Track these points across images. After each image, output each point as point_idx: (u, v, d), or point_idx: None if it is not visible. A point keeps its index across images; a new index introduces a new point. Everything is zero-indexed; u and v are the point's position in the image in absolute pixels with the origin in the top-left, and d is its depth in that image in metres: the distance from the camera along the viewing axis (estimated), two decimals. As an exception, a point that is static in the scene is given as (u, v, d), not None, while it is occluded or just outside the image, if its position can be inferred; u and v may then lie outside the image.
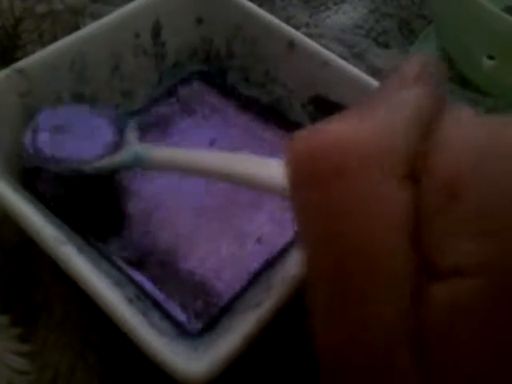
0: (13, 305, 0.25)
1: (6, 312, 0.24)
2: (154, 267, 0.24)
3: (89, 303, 0.24)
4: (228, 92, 0.31)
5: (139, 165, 0.24)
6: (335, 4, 0.36)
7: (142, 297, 0.23)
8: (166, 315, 0.23)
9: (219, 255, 0.25)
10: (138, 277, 0.24)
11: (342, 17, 0.35)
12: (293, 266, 0.21)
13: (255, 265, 0.25)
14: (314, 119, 0.28)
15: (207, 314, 0.23)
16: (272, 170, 0.20)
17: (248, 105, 0.30)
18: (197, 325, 0.23)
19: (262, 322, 0.19)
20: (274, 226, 0.26)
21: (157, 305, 0.23)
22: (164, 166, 0.24)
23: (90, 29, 0.27)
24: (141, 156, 0.24)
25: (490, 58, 0.30)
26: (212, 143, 0.29)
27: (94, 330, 0.24)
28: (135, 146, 0.24)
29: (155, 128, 0.29)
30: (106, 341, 0.24)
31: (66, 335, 0.24)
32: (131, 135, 0.25)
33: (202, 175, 0.24)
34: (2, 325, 0.23)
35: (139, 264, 0.24)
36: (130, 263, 0.24)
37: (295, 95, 0.28)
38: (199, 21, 0.30)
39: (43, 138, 0.24)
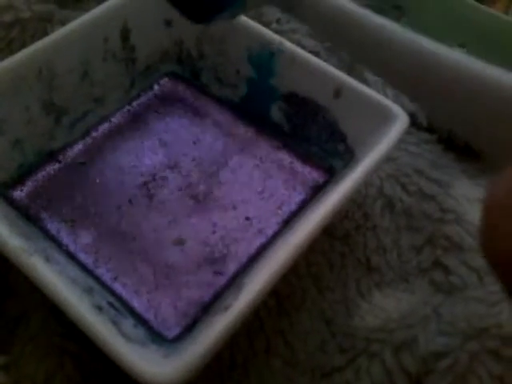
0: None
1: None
2: (128, 273, 0.24)
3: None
4: (202, 91, 0.30)
5: None
6: (310, -1, 0.36)
7: (116, 304, 0.22)
8: (142, 322, 0.23)
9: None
10: (113, 284, 0.24)
11: (315, 11, 0.34)
12: (265, 266, 0.21)
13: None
14: (287, 115, 0.28)
15: (185, 319, 0.23)
16: None
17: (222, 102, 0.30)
18: (174, 331, 0.23)
19: (229, 326, 0.19)
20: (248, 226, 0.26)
21: (132, 312, 0.23)
22: None
23: (56, 36, 0.26)
24: None
25: (461, 46, 0.29)
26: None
27: (72, 338, 0.24)
28: None
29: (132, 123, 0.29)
30: (83, 349, 0.24)
31: (43, 345, 0.24)
32: None
33: None
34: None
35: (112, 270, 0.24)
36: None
37: (267, 93, 0.28)
38: (168, 23, 0.30)
39: None
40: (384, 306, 0.25)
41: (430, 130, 0.31)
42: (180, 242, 0.25)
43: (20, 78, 0.25)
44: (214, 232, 0.25)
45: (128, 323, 0.21)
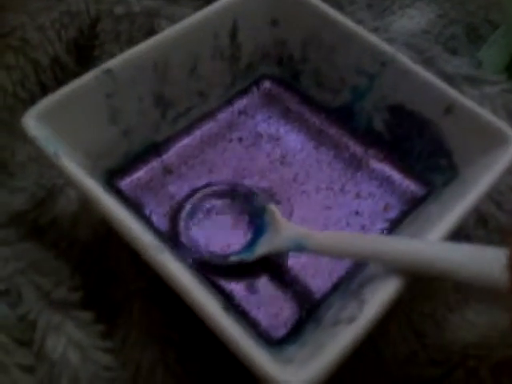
0: (94, 301, 0.25)
1: (88, 308, 0.24)
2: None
3: (168, 300, 0.25)
4: (300, 94, 0.31)
5: (299, 250, 0.24)
6: (400, 8, 0.36)
7: (228, 305, 0.23)
8: (252, 324, 0.23)
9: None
10: (225, 285, 0.25)
11: (408, 21, 0.34)
12: (386, 281, 0.21)
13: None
14: (390, 126, 0.28)
15: (290, 323, 0.24)
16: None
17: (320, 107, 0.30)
18: (280, 332, 0.23)
19: (357, 338, 0.19)
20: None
21: (242, 313, 0.24)
22: (326, 251, 0.23)
23: (171, 31, 0.27)
24: (301, 243, 0.23)
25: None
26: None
27: (174, 327, 0.25)
28: (292, 233, 0.24)
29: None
30: (185, 338, 0.25)
31: (146, 333, 0.25)
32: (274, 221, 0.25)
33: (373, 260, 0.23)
34: (86, 321, 0.24)
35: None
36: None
37: (371, 102, 0.28)
38: (274, 22, 0.30)
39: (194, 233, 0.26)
40: (478, 323, 0.25)
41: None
42: None
43: (138, 70, 0.26)
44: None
45: (243, 325, 0.22)
